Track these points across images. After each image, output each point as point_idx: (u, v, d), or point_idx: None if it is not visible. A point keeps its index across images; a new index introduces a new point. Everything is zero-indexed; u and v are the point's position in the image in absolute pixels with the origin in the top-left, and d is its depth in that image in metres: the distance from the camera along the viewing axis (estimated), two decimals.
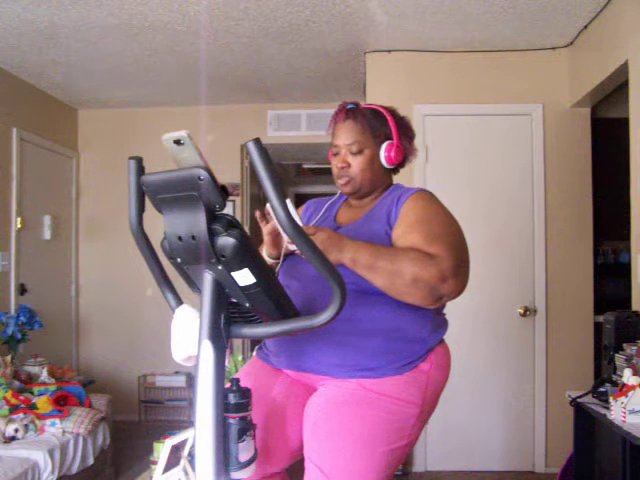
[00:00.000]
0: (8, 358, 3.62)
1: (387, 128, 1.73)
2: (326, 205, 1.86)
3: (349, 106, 1.75)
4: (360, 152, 1.71)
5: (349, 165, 1.72)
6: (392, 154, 1.71)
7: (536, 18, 3.48)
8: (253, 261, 1.13)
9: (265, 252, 1.68)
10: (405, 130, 1.77)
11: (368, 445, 1.48)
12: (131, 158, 1.20)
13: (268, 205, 1.10)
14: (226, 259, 1.11)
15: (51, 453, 2.98)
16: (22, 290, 4.48)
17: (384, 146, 1.72)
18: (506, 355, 3.91)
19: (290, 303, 1.25)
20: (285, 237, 1.53)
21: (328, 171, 1.83)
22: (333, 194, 1.90)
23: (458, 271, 1.52)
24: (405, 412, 1.52)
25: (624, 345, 2.45)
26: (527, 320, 3.89)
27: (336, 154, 1.75)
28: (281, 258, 1.66)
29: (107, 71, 4.44)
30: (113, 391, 4.66)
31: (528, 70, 3.96)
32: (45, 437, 3.10)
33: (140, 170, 1.20)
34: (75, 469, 3.21)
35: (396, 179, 1.84)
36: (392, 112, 1.76)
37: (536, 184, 3.92)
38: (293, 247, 1.55)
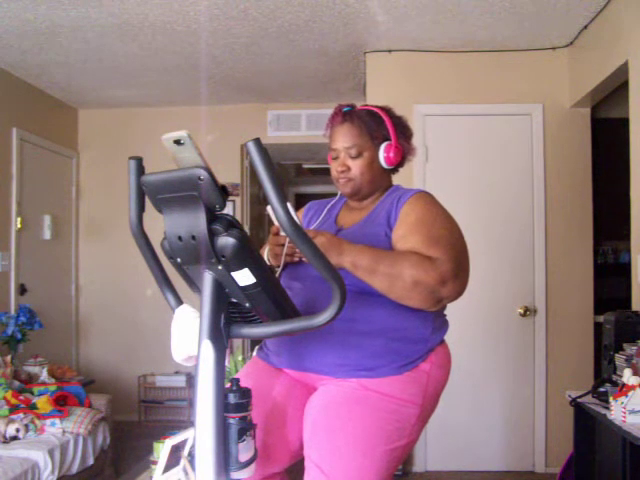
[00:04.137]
0: (8, 358, 3.62)
1: (384, 129, 1.72)
2: (327, 207, 1.86)
3: (345, 109, 1.74)
4: (359, 155, 1.71)
5: (349, 169, 1.72)
6: (391, 154, 1.71)
7: (536, 18, 3.48)
8: (253, 261, 1.13)
9: (266, 256, 1.67)
10: (402, 129, 1.76)
11: (368, 445, 1.47)
12: (131, 158, 1.20)
13: (269, 207, 1.10)
14: (226, 259, 1.11)
15: (51, 453, 2.98)
16: (22, 290, 4.48)
17: (382, 147, 1.72)
18: (506, 355, 3.91)
19: (290, 303, 1.25)
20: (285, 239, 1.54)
21: (328, 171, 1.83)
22: (333, 194, 1.90)
23: (458, 274, 1.53)
24: (405, 412, 1.53)
25: (624, 345, 2.45)
26: (527, 320, 3.89)
27: (335, 158, 1.75)
28: (281, 262, 1.63)
29: (107, 71, 4.44)
30: (113, 391, 4.65)
31: (528, 70, 3.95)
32: (45, 437, 3.10)
33: (140, 170, 1.20)
34: (75, 469, 3.21)
35: (395, 179, 1.84)
36: (388, 112, 1.76)
37: (536, 184, 3.91)
38: (295, 259, 1.58)
